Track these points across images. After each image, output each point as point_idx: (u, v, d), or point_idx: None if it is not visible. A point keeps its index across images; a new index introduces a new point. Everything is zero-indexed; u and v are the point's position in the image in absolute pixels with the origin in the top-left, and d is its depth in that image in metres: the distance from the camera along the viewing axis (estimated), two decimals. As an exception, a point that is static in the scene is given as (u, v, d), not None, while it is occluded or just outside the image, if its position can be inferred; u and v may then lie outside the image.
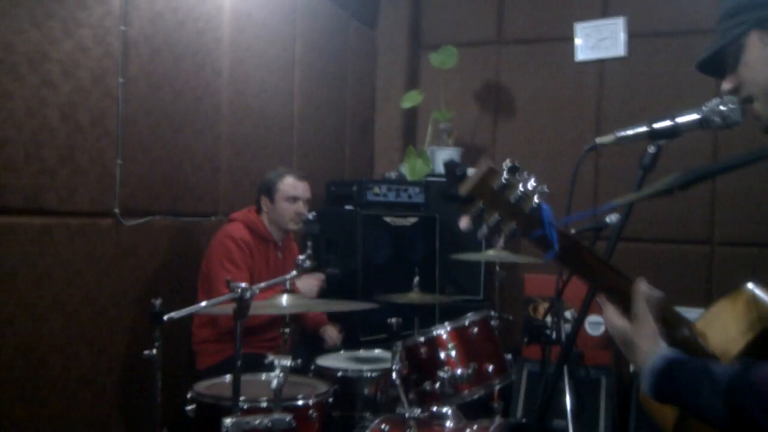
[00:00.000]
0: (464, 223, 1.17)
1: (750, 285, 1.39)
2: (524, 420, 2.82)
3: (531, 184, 1.14)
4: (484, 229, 1.15)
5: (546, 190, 1.15)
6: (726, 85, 1.34)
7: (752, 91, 1.29)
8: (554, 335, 3.28)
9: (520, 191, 1.13)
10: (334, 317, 3.45)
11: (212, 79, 3.32)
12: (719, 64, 1.35)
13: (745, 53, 1.28)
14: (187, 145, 3.16)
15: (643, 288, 1.25)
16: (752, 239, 4.13)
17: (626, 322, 1.26)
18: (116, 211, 2.75)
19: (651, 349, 1.22)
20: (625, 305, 1.26)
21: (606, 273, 1.26)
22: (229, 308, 2.07)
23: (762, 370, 1.08)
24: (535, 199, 1.14)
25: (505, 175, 1.12)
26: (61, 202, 2.53)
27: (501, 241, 1.17)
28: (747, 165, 1.20)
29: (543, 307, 4.38)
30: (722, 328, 1.31)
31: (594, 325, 4.21)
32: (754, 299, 1.34)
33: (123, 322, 2.81)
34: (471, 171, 1.15)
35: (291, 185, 3.21)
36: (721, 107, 1.45)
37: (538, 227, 1.15)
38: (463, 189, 1.13)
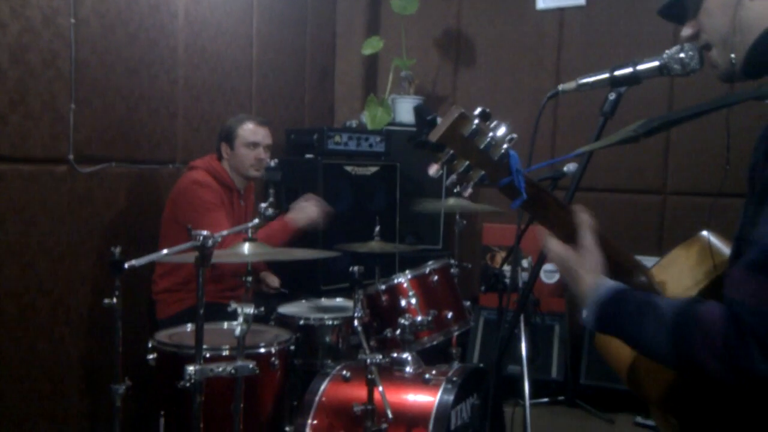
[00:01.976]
0: (433, 170, 1.15)
1: (705, 233, 1.43)
2: (481, 365, 2.89)
3: (501, 131, 1.13)
4: (453, 177, 1.14)
5: (515, 137, 1.14)
6: (686, 31, 1.35)
7: (711, 38, 1.29)
8: (510, 283, 3.35)
9: (490, 138, 1.11)
10: (290, 266, 3.43)
11: (167, 20, 3.22)
12: (680, 10, 1.35)
13: (706, 0, 1.28)
14: (143, 90, 3.08)
15: (590, 220, 1.26)
16: (703, 189, 4.25)
17: (569, 249, 1.25)
18: (71, 157, 2.68)
19: (596, 280, 1.22)
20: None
21: (567, 218, 1.27)
22: (191, 256, 2.05)
23: (708, 307, 1.08)
24: (504, 147, 1.12)
25: (475, 121, 1.11)
26: (14, 148, 2.45)
27: (469, 189, 1.16)
28: (710, 112, 1.22)
29: (500, 256, 4.46)
30: (677, 275, 1.34)
31: (549, 273, 4.31)
32: (709, 247, 1.38)
33: (80, 272, 2.77)
34: (441, 117, 1.14)
35: (251, 131, 3.16)
36: (681, 55, 1.48)
37: (506, 175, 1.14)
38: (434, 135, 1.11)
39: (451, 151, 1.11)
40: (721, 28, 1.26)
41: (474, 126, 1.10)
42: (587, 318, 1.22)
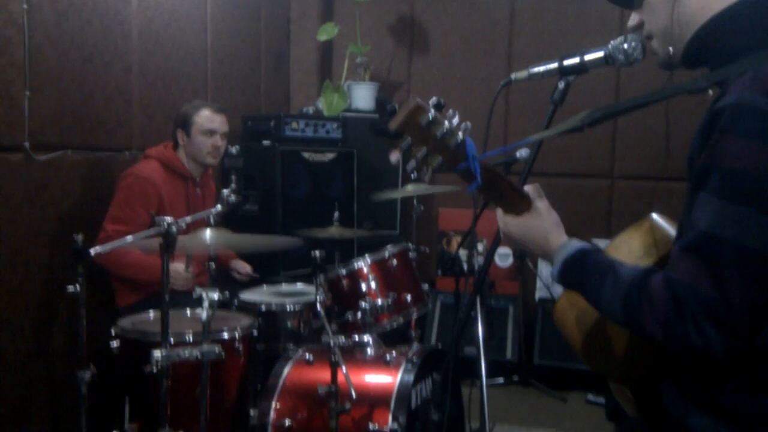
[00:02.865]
0: (394, 156, 1.22)
1: (653, 215, 1.53)
2: (440, 346, 2.97)
3: (455, 120, 1.20)
4: (412, 163, 1.21)
5: (469, 126, 1.22)
6: (632, 21, 1.42)
7: (652, 29, 1.37)
8: (467, 267, 3.44)
9: (446, 127, 1.18)
10: (251, 253, 3.45)
11: (121, 6, 3.18)
12: None
13: None
14: (97, 77, 3.04)
15: (540, 190, 1.39)
16: (649, 173, 4.41)
17: (527, 217, 1.37)
18: (26, 144, 2.64)
19: (561, 237, 1.34)
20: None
21: (520, 199, 1.37)
22: (155, 243, 2.07)
23: (657, 278, 1.17)
24: (460, 135, 1.19)
25: (431, 111, 1.17)
26: (-33, 136, 2.41)
27: (428, 174, 1.23)
28: (651, 103, 1.30)
29: (456, 240, 4.56)
30: (627, 254, 1.42)
31: (503, 256, 4.42)
32: (656, 227, 1.48)
33: (38, 260, 2.74)
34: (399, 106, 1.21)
35: (207, 118, 3.15)
36: (624, 45, 1.56)
37: (463, 161, 1.22)
38: (393, 124, 1.17)
39: (409, 138, 1.17)
40: (661, 22, 1.34)
41: (430, 116, 1.17)
42: (553, 272, 1.33)
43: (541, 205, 1.38)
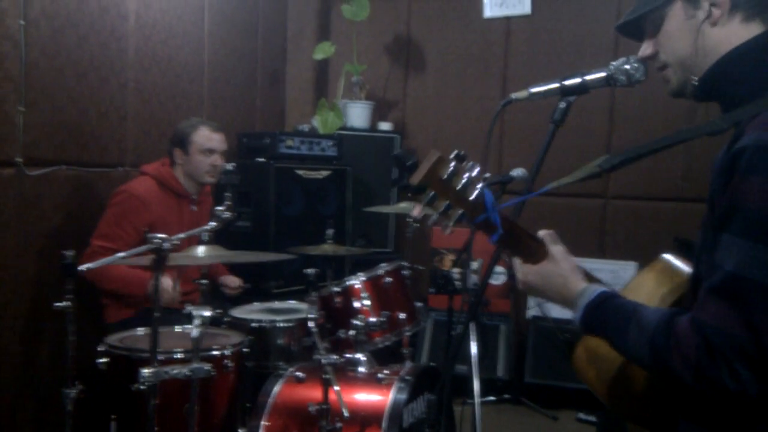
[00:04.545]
0: (417, 211, 1.23)
1: (666, 255, 1.52)
2: (432, 364, 2.96)
3: (475, 171, 1.20)
4: (434, 216, 1.21)
5: (488, 176, 1.22)
6: (645, 51, 1.42)
7: (668, 58, 1.37)
8: (460, 285, 3.43)
9: (465, 178, 1.19)
10: (243, 270, 3.44)
11: (118, 23, 3.19)
12: (639, 28, 1.42)
13: (666, 22, 1.35)
14: (93, 93, 3.05)
15: (555, 235, 1.38)
16: (643, 193, 4.43)
17: (544, 265, 1.36)
18: (19, 160, 2.64)
19: (580, 284, 1.33)
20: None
21: (536, 246, 1.38)
22: (147, 260, 2.06)
23: (682, 321, 1.16)
24: (478, 186, 1.20)
25: (452, 164, 1.18)
26: (-40, 150, 2.40)
27: (450, 226, 1.21)
28: (667, 148, 1.31)
29: (448, 258, 4.55)
30: (646, 297, 1.39)
31: (495, 275, 4.41)
32: (671, 268, 1.47)
33: (27, 275, 2.72)
34: (412, 160, 1.22)
35: (206, 137, 3.15)
36: (626, 66, 1.56)
37: (482, 212, 1.22)
38: (415, 179, 1.18)
39: (432, 192, 1.18)
40: (680, 51, 1.34)
41: (451, 168, 1.17)
42: (575, 318, 1.32)
43: (557, 250, 1.38)
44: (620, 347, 1.26)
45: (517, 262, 1.40)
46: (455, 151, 1.20)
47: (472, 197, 1.20)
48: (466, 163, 1.20)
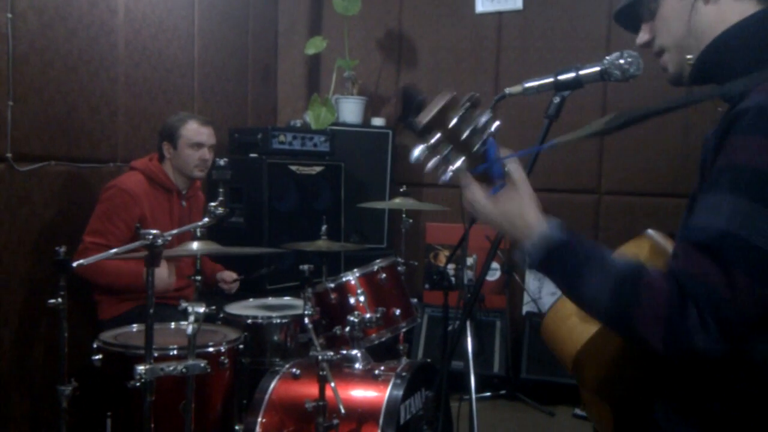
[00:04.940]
0: (417, 152, 1.12)
1: (650, 231, 1.50)
2: (428, 360, 2.94)
3: (483, 118, 1.12)
4: (436, 159, 1.12)
5: (497, 126, 1.14)
6: (641, 37, 1.39)
7: (665, 42, 1.34)
8: (455, 281, 3.42)
9: (473, 126, 1.11)
10: (237, 267, 3.41)
11: (107, 17, 3.15)
12: (635, 15, 1.40)
13: (661, 6, 1.33)
14: (83, 87, 3.01)
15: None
16: (636, 189, 4.43)
17: (504, 190, 1.21)
18: (8, 155, 2.60)
19: (541, 217, 1.19)
20: None
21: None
22: (140, 255, 2.03)
23: (654, 274, 1.08)
24: (484, 136, 1.13)
25: (464, 108, 1.10)
26: (-52, 146, 2.36)
27: (447, 174, 1.13)
28: (675, 110, 1.24)
29: (443, 254, 4.54)
30: None
31: (490, 270, 4.41)
32: (654, 242, 1.45)
33: (19, 272, 2.69)
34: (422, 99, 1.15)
35: (195, 131, 3.12)
36: (621, 61, 1.55)
37: (483, 162, 1.15)
38: (422, 118, 1.10)
39: (439, 135, 1.10)
40: (675, 32, 1.31)
41: (461, 113, 1.10)
42: (528, 252, 1.19)
43: (519, 173, 1.24)
44: (577, 291, 1.15)
45: (470, 182, 1.22)
46: (471, 93, 1.12)
47: (474, 147, 1.12)
48: (476, 110, 1.13)
